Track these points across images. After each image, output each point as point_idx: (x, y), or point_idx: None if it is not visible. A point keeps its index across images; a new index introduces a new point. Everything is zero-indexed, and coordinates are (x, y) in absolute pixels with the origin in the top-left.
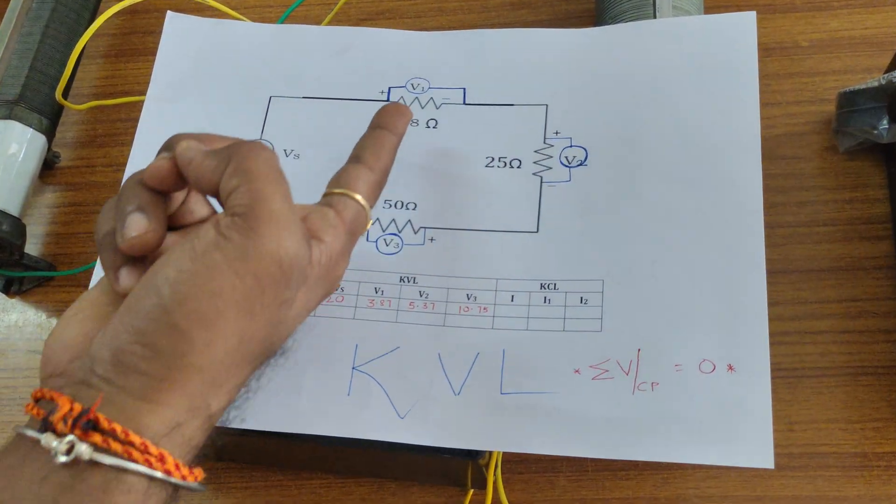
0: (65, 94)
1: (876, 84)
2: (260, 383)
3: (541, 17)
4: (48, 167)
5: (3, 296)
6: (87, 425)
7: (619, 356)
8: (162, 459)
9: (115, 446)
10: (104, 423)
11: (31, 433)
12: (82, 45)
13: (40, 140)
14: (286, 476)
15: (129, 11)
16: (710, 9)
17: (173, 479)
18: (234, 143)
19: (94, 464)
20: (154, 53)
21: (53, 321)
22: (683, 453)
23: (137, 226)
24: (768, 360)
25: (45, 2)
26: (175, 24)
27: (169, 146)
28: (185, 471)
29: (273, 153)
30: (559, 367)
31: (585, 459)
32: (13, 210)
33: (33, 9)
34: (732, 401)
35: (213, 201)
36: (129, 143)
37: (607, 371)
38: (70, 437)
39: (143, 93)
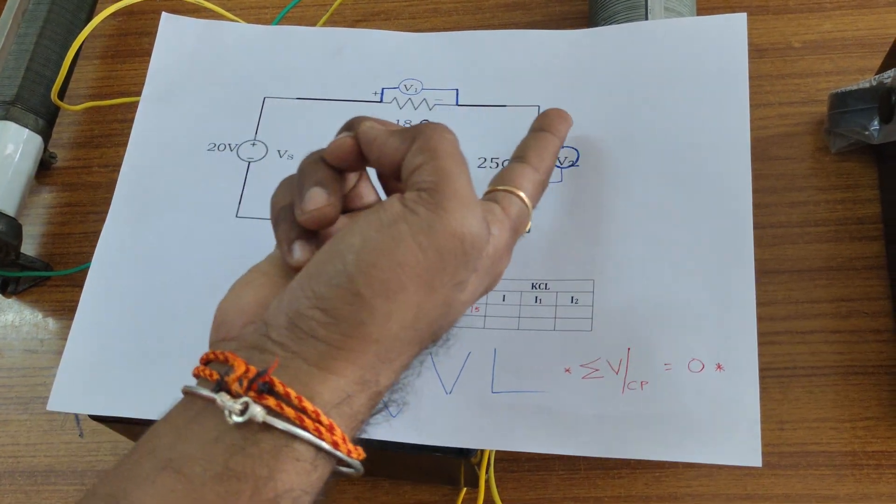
0: (61, 95)
1: (867, 85)
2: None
3: (535, 18)
4: (44, 168)
5: (0, 296)
6: (262, 387)
7: (609, 355)
8: (331, 430)
9: (289, 411)
10: (279, 387)
11: (205, 392)
12: (78, 46)
13: (36, 141)
14: None
15: (125, 13)
16: (702, 10)
17: (339, 453)
18: (418, 124)
19: (266, 427)
20: (149, 55)
21: (50, 321)
22: (672, 452)
23: (317, 199)
24: (756, 360)
25: (41, 3)
26: (170, 26)
27: (350, 126)
28: (350, 446)
29: (455, 136)
30: (550, 366)
31: (578, 458)
32: (9, 210)
33: (29, 10)
34: (721, 400)
35: (380, 191)
36: (125, 144)
37: (597, 370)
38: (245, 399)
39: (139, 94)
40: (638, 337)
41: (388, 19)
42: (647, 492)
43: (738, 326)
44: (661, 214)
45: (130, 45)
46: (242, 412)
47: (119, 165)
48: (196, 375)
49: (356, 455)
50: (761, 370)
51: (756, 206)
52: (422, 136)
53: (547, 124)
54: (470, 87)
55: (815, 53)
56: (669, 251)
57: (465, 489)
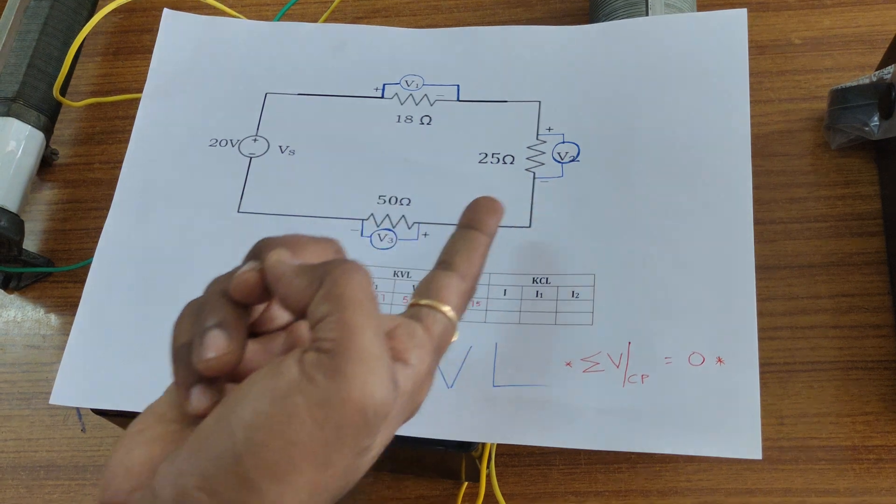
0: (62, 92)
1: (867, 81)
2: None
3: (535, 14)
4: (46, 164)
5: (2, 292)
6: None
7: (610, 349)
8: None
9: None
10: None
11: None
12: (79, 43)
13: (38, 137)
14: None
15: (126, 10)
16: (702, 6)
17: None
18: (329, 262)
19: None
20: (151, 51)
21: (52, 316)
22: (673, 445)
23: (216, 345)
24: (757, 353)
25: (42, 0)
26: (171, 22)
27: (257, 253)
28: None
29: (367, 275)
30: (551, 360)
31: (578, 453)
32: (11, 206)
33: (31, 7)
34: (721, 393)
35: None
36: (127, 141)
37: (598, 364)
38: None
39: (141, 90)
40: (638, 331)
41: (388, 16)
42: (648, 486)
43: (738, 320)
44: (661, 209)
45: (132, 42)
46: None
47: (121, 162)
48: None
49: None
50: (762, 365)
51: (756, 201)
52: (329, 279)
53: (476, 220)
54: (471, 83)
55: (816, 50)
56: (670, 245)
57: (466, 483)
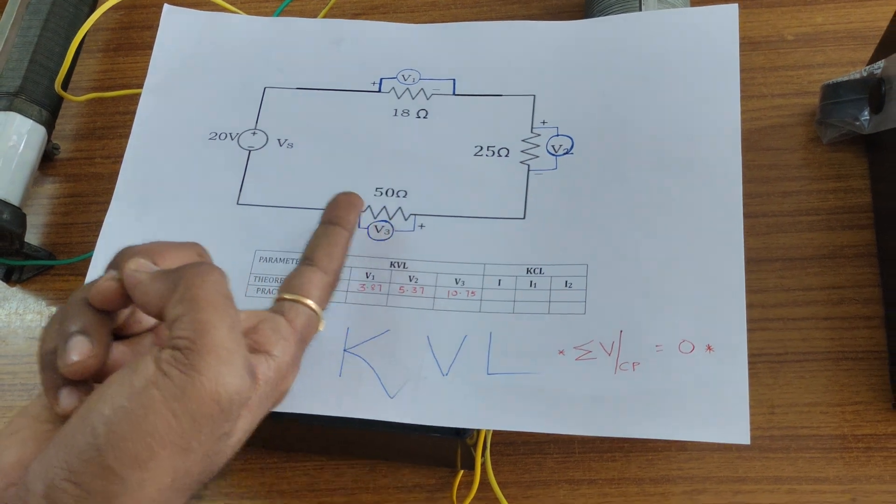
0: (64, 87)
1: (858, 76)
2: None
3: (532, 11)
4: (48, 158)
5: (4, 284)
6: None
7: (602, 337)
8: None
9: None
10: None
11: None
12: (80, 38)
13: (40, 132)
14: (280, 458)
15: (128, 6)
16: (696, 2)
17: None
18: (183, 266)
19: None
20: (151, 47)
21: (54, 309)
22: (663, 430)
23: (80, 349)
24: (745, 341)
25: None
26: (171, 17)
27: (118, 263)
28: None
29: (222, 276)
30: (544, 348)
31: (572, 441)
32: (14, 200)
33: (33, 2)
34: (711, 380)
35: None
36: (128, 135)
37: (590, 352)
38: None
39: (141, 86)
40: (630, 319)
41: (386, 13)
42: (641, 474)
43: (727, 309)
44: (653, 201)
45: (132, 38)
46: None
47: (121, 156)
48: None
49: None
50: (753, 356)
51: (749, 195)
52: (183, 283)
53: (336, 216)
54: (467, 77)
55: (808, 46)
56: (661, 236)
57: (461, 471)
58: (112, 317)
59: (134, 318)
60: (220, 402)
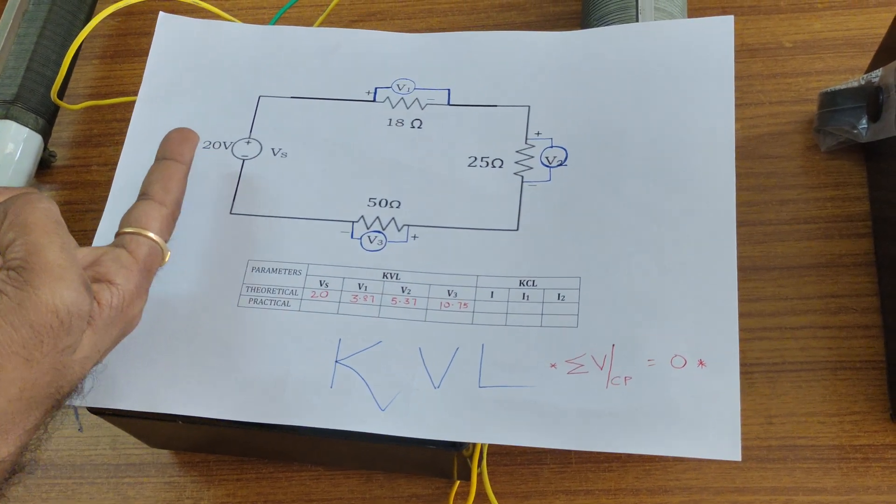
0: (60, 95)
1: (856, 84)
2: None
3: (529, 18)
4: (44, 166)
5: None
6: None
7: (594, 351)
8: None
9: None
10: None
11: None
12: (77, 46)
13: (36, 140)
14: (276, 468)
15: (124, 13)
16: (695, 10)
17: None
18: (11, 196)
19: None
20: (148, 54)
21: None
22: (654, 445)
23: None
24: (738, 356)
25: (41, 3)
26: (167, 25)
27: None
28: None
29: (51, 204)
30: (536, 361)
31: (569, 452)
32: None
33: (29, 10)
34: (702, 395)
35: None
36: (124, 143)
37: (582, 366)
38: None
39: (137, 94)
40: (622, 333)
41: (384, 19)
42: (637, 485)
43: (720, 324)
44: (647, 214)
45: (129, 45)
46: None
47: (117, 164)
48: None
49: None
50: (751, 365)
51: (746, 203)
52: (12, 210)
53: (169, 151)
54: (461, 87)
55: (806, 53)
56: (654, 250)
57: (458, 482)
58: None
59: None
60: (58, 313)
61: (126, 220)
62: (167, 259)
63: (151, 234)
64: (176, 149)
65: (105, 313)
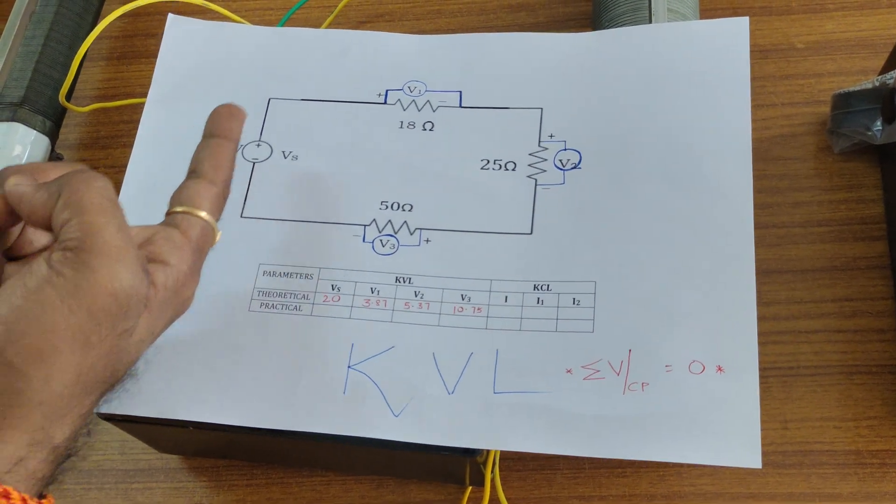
0: (68, 97)
1: (870, 86)
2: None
3: (539, 19)
4: None
5: None
6: None
7: (611, 357)
8: (6, 496)
9: None
10: None
11: None
12: (86, 48)
13: (44, 142)
14: (287, 473)
15: (132, 15)
16: (706, 11)
17: None
18: (66, 174)
19: None
20: (156, 56)
21: None
22: (672, 453)
23: None
24: (757, 362)
25: (48, 5)
26: (176, 27)
27: None
28: (33, 501)
29: (106, 182)
30: (551, 367)
31: (582, 457)
32: None
33: (37, 12)
34: (721, 401)
35: None
36: (132, 145)
37: (598, 371)
38: None
39: (146, 95)
40: (639, 338)
41: (392, 21)
42: (652, 490)
43: (738, 328)
44: (663, 217)
45: (137, 47)
46: None
47: (125, 166)
48: None
49: None
50: (765, 369)
51: (759, 206)
52: (67, 188)
53: (218, 128)
54: (473, 89)
55: (819, 54)
56: (671, 253)
57: (470, 488)
58: (2, 237)
59: (24, 238)
60: (116, 296)
61: (176, 198)
62: (218, 239)
63: (203, 214)
64: (224, 125)
65: (160, 295)
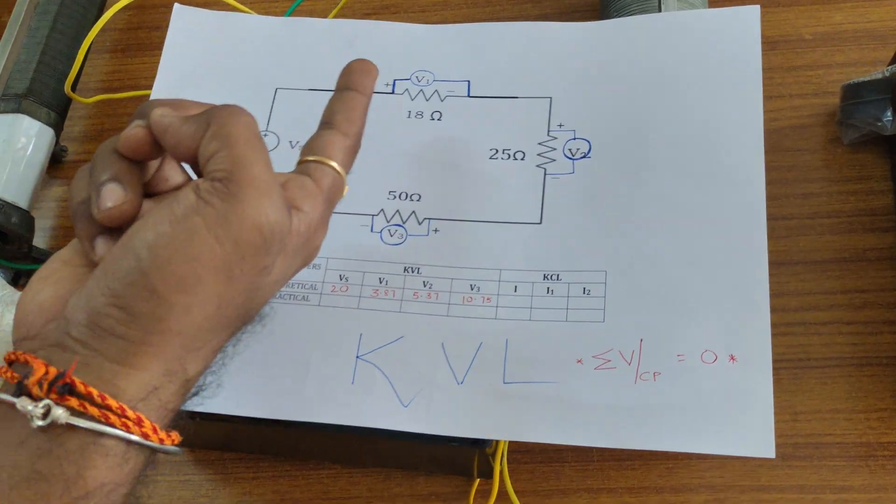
0: (73, 89)
1: (880, 76)
2: (237, 350)
3: (545, 10)
4: (56, 161)
5: (12, 288)
6: (62, 389)
7: (622, 346)
8: (139, 423)
9: (93, 410)
10: (80, 387)
11: (5, 397)
12: (91, 39)
13: (48, 134)
14: (294, 466)
15: (137, 6)
16: (715, 1)
17: (150, 443)
18: (213, 107)
19: (70, 428)
20: (161, 48)
21: None
22: (685, 443)
23: (113, 196)
24: (770, 351)
25: None
26: (182, 17)
27: (142, 114)
28: (162, 434)
29: (253, 118)
30: (562, 357)
31: (591, 449)
32: (22, 203)
33: (41, 3)
34: (734, 391)
35: (189, 170)
36: None
37: (610, 361)
38: (46, 401)
39: (151, 86)
40: (651, 328)
41: (397, 12)
42: (661, 483)
43: (751, 318)
44: (673, 206)
45: (141, 39)
46: (44, 415)
47: None
48: (1, 376)
49: (170, 441)
50: (775, 361)
51: (768, 197)
52: (216, 121)
53: (351, 81)
54: (482, 79)
55: (827, 45)
56: (682, 242)
57: (478, 480)
58: (142, 168)
59: (160, 174)
60: (262, 230)
61: (309, 147)
62: (345, 193)
63: (335, 164)
64: (358, 80)
65: (294, 239)
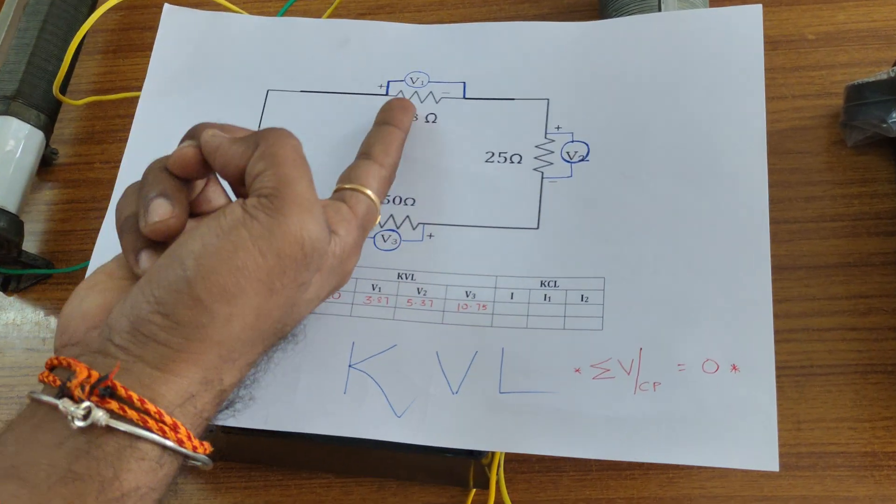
0: (62, 90)
1: (885, 77)
2: (269, 366)
3: (542, 10)
4: (46, 164)
5: (1, 294)
6: (104, 392)
7: (621, 355)
8: (175, 429)
9: (131, 414)
10: (121, 391)
11: (48, 398)
12: (79, 40)
13: (38, 136)
14: (286, 476)
15: (127, 7)
16: (716, 0)
17: (184, 450)
18: (262, 130)
19: (109, 430)
20: (151, 49)
21: (52, 319)
22: (686, 455)
23: (161, 211)
24: (773, 361)
25: None
26: (172, 17)
27: (193, 134)
28: (195, 442)
29: (298, 141)
30: (559, 366)
31: (589, 459)
32: (11, 207)
33: (31, 4)
34: (736, 402)
35: (230, 192)
36: (127, 140)
37: (608, 370)
38: (87, 403)
39: (141, 88)
40: (650, 336)
41: (393, 12)
42: (660, 493)
43: (754, 326)
44: (674, 210)
45: (132, 40)
46: (85, 417)
47: (120, 162)
48: (41, 381)
49: (202, 450)
50: (778, 369)
51: (771, 201)
52: (264, 142)
53: (391, 117)
54: (477, 80)
55: (830, 45)
56: (683, 248)
57: (474, 490)
58: (189, 186)
59: (204, 195)
60: (303, 245)
61: (346, 176)
62: (378, 221)
63: (370, 192)
64: (397, 116)
65: (330, 260)
